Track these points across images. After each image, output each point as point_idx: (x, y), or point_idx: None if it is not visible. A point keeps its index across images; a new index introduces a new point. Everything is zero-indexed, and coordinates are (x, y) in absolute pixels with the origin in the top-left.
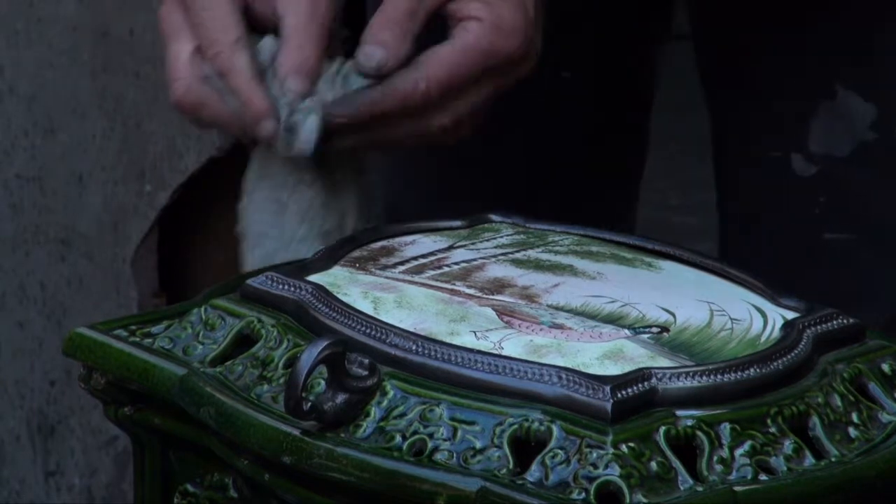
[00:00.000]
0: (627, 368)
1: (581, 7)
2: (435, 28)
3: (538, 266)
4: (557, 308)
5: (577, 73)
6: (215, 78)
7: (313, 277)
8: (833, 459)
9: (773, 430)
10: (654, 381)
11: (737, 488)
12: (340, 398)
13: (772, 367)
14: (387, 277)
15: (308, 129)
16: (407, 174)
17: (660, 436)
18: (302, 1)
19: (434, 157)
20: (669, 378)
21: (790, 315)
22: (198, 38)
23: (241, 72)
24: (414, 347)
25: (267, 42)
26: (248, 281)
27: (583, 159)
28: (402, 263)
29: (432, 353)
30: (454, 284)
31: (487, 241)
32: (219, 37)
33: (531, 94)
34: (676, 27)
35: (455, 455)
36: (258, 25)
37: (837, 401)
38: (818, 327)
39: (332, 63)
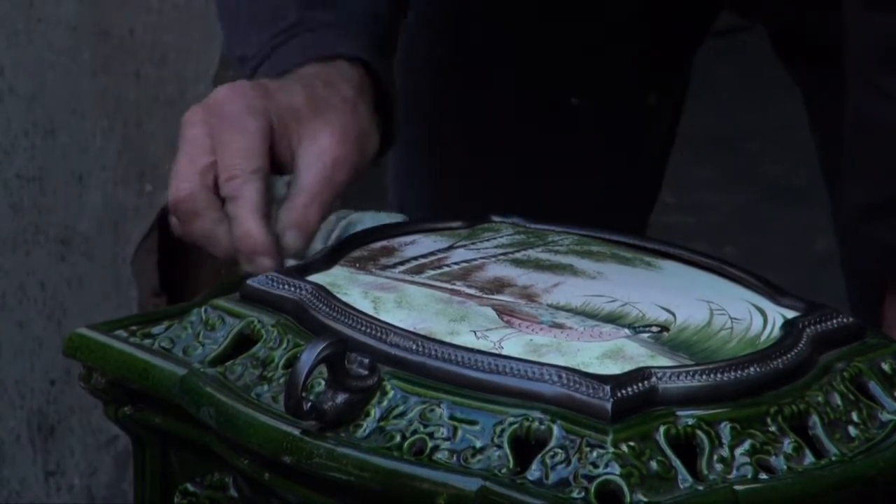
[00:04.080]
0: (627, 368)
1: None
2: None
3: (538, 266)
4: (557, 307)
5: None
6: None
7: (313, 277)
8: (833, 458)
9: (773, 429)
10: (654, 380)
11: (737, 487)
12: (340, 398)
13: (772, 366)
14: (387, 277)
15: None
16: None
17: (660, 435)
18: (321, 163)
19: (440, 161)
20: (669, 377)
21: (790, 314)
22: (216, 157)
23: (250, 202)
24: (414, 347)
25: (281, 183)
26: (249, 281)
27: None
28: (402, 263)
29: (432, 352)
30: (454, 284)
31: (487, 240)
32: (238, 162)
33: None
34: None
35: (455, 454)
36: (275, 165)
37: (837, 400)
38: (818, 326)
39: (329, 218)
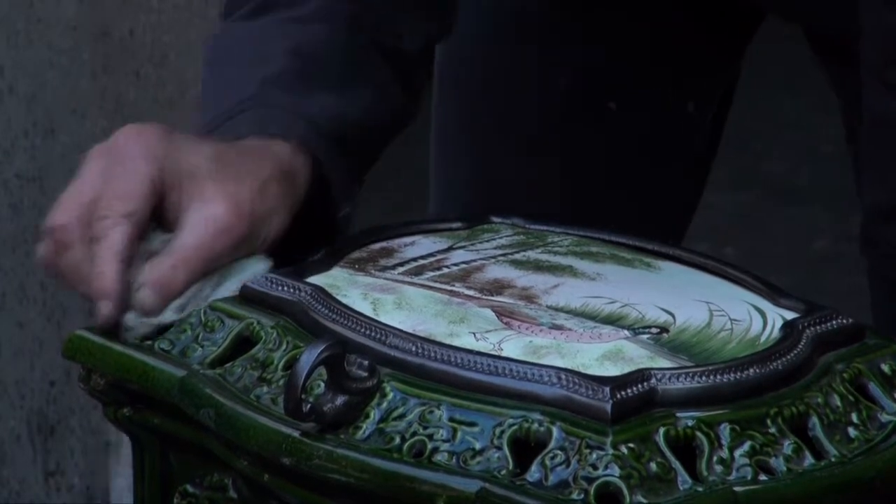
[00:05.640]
0: (627, 369)
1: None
2: None
3: (538, 267)
4: (557, 309)
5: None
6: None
7: (313, 279)
8: (833, 459)
9: (772, 430)
10: (653, 381)
11: (736, 489)
12: (340, 399)
13: (771, 367)
14: (386, 279)
15: (136, 332)
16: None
17: (659, 436)
18: (202, 229)
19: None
20: (669, 379)
21: (790, 315)
22: (101, 193)
23: (111, 244)
24: (413, 349)
25: (160, 239)
26: (248, 283)
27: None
28: (401, 265)
29: (432, 354)
30: (453, 286)
31: (487, 242)
32: (115, 203)
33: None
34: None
35: (455, 456)
36: (163, 219)
37: (837, 401)
38: (818, 327)
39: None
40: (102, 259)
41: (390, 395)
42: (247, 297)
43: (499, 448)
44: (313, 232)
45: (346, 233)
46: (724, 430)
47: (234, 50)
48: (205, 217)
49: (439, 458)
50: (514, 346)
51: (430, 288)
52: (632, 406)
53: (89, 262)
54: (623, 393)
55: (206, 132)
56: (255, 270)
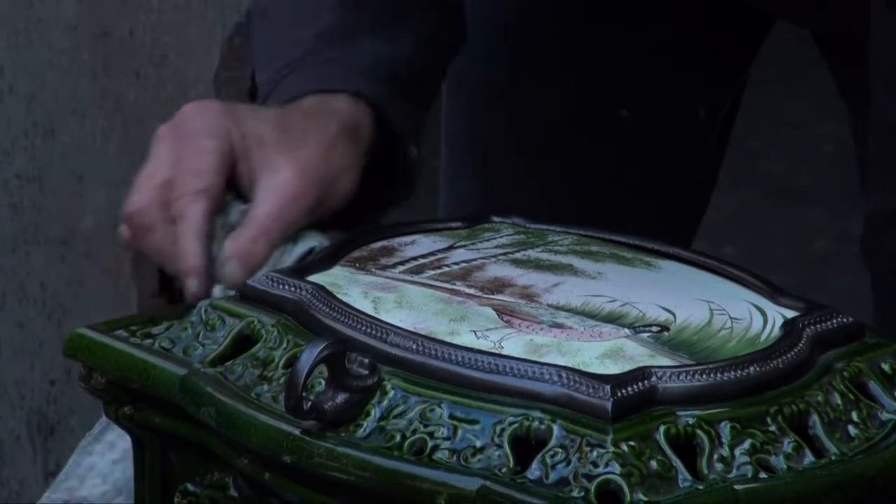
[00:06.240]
0: (627, 367)
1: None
2: None
3: (538, 266)
4: (557, 307)
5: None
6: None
7: (313, 277)
8: (833, 458)
9: (773, 428)
10: (654, 379)
11: (737, 487)
12: (341, 398)
13: (772, 365)
14: (387, 277)
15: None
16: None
17: (660, 434)
18: (276, 197)
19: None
20: (669, 377)
21: (790, 314)
22: (174, 173)
23: (191, 222)
24: (414, 347)
25: (238, 210)
26: (249, 281)
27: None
28: (402, 263)
29: (432, 352)
30: (454, 284)
31: (487, 240)
32: (189, 180)
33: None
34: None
35: (455, 454)
36: (237, 189)
37: (837, 399)
38: (818, 326)
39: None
40: (184, 237)
41: (391, 393)
42: (247, 295)
43: (499, 446)
44: (385, 182)
45: (418, 177)
46: (725, 429)
47: (283, 3)
48: (276, 186)
49: (440, 455)
50: (514, 344)
51: (431, 286)
52: (632, 404)
53: (172, 242)
54: (623, 391)
55: (264, 93)
56: (318, 239)
